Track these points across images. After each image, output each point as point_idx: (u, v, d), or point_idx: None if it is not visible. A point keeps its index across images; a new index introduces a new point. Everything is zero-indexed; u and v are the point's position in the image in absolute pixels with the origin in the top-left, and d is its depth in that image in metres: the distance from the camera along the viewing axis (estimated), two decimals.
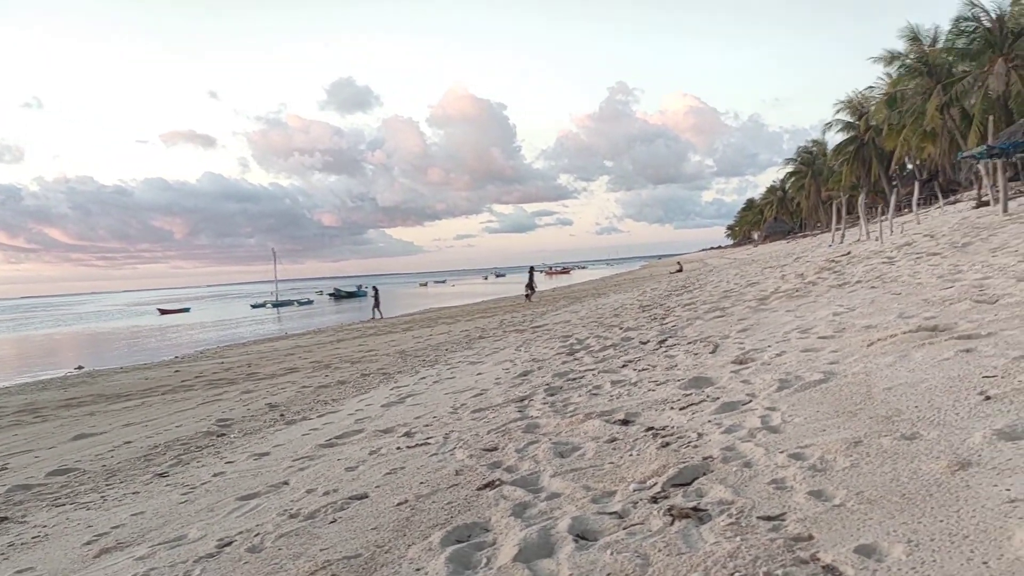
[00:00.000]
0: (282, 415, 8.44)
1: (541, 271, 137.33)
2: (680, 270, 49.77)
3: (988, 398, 3.56)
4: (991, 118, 27.96)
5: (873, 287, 9.81)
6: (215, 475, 5.56)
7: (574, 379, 7.15)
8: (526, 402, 6.27)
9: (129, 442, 7.98)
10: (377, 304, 36.78)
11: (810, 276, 13.91)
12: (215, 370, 16.04)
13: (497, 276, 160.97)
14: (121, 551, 3.88)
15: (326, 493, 4.21)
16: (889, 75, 52.52)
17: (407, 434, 5.69)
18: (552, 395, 6.42)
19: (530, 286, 33.39)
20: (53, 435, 9.17)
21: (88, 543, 4.16)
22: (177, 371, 16.84)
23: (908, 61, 47.42)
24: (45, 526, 4.81)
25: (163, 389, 13.20)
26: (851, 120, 64.10)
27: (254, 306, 70.77)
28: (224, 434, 7.72)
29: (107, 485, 5.97)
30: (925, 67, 45.96)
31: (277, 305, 68.35)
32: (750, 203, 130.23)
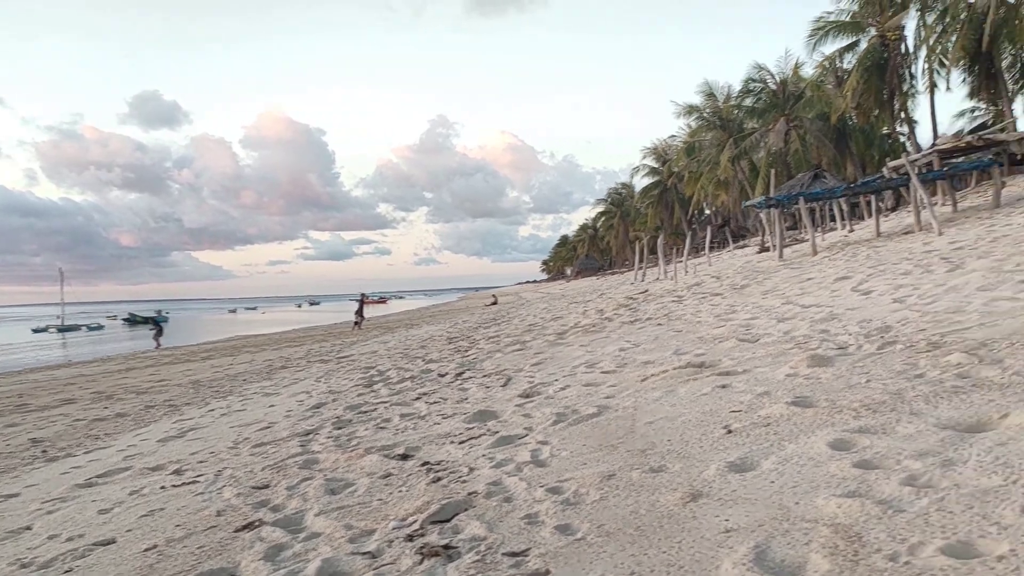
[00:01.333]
0: (44, 451, 7.73)
1: (356, 300, 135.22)
2: (495, 303, 50.57)
3: (730, 431, 3.84)
4: (773, 171, 30.65)
5: (659, 324, 10.39)
6: None
7: (365, 412, 7.04)
8: (311, 436, 6.10)
9: None
10: (159, 333, 34.52)
11: (608, 312, 14.54)
12: None
13: (311, 304, 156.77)
14: None
15: (70, 539, 3.88)
16: (689, 126, 56.52)
17: (176, 472, 5.37)
18: (339, 428, 6.29)
19: (360, 313, 33.02)
20: None
21: None
22: None
23: (705, 114, 51.22)
24: None
25: None
26: (656, 166, 68.23)
27: (36, 330, 64.43)
28: None
29: None
30: (719, 121, 49.84)
31: (63, 330, 62.83)
32: (564, 240, 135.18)
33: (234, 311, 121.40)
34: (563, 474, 3.67)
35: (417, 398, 7.46)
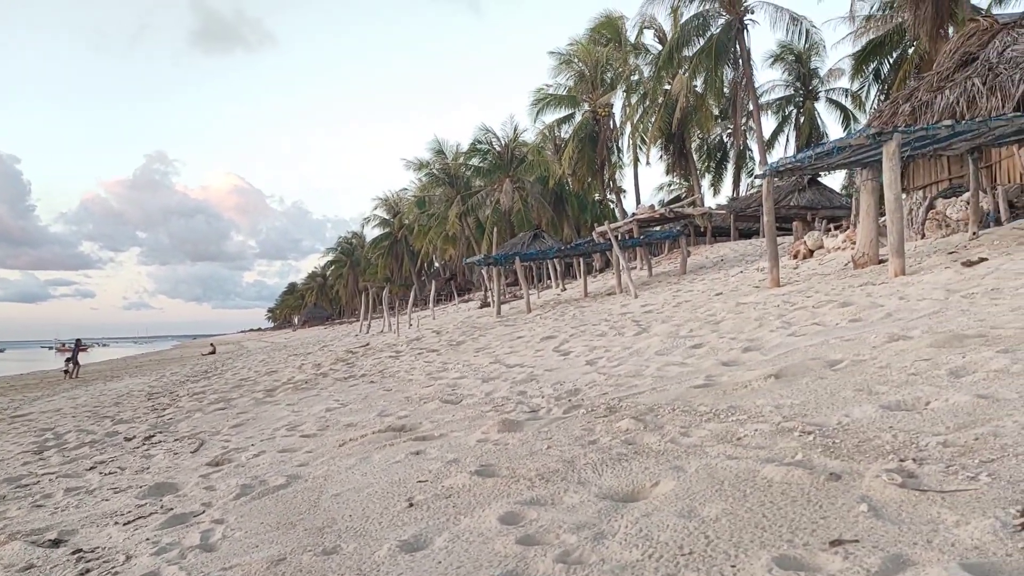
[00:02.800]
0: None
1: (53, 347, 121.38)
2: (213, 352, 47.72)
3: (412, 504, 3.79)
4: (496, 229, 32.06)
5: (372, 382, 10.29)
6: None
7: (26, 485, 6.20)
8: None
9: None
10: None
11: (325, 367, 14.21)
12: None
13: None
14: None
15: None
16: (420, 180, 57.87)
17: None
18: None
19: (74, 360, 29.47)
20: None
21: None
22: None
23: (434, 171, 52.77)
24: None
25: None
26: (387, 217, 68.86)
27: None
28: None
29: None
30: (447, 177, 51.57)
31: None
32: (292, 287, 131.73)
33: None
34: (230, 560, 3.39)
35: (92, 467, 6.72)
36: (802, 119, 43.81)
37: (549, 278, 36.24)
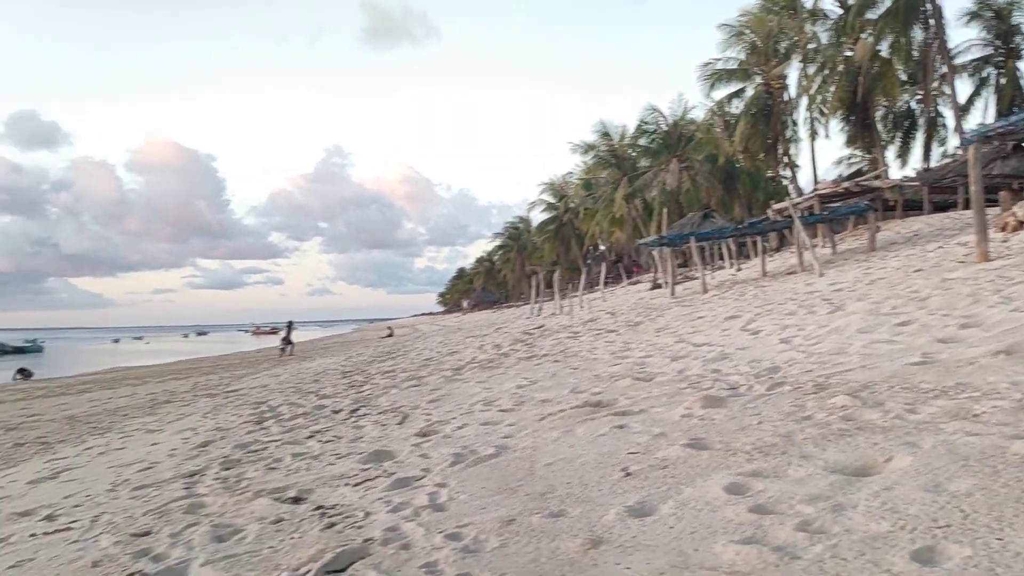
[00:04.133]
0: None
1: (248, 331, 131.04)
2: (390, 335, 49.97)
3: (628, 474, 3.86)
4: (665, 210, 31.64)
5: (556, 361, 10.47)
6: None
7: (255, 451, 6.78)
8: (197, 477, 5.82)
9: None
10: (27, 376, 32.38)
11: (505, 347, 14.57)
12: None
13: (199, 334, 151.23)
14: None
15: None
16: (585, 163, 57.89)
17: (48, 517, 5.01)
18: (227, 469, 6.02)
19: (287, 340, 31.92)
20: None
21: None
22: None
23: (600, 153, 52.62)
24: None
25: None
26: (553, 201, 69.34)
27: None
28: None
29: None
30: (614, 159, 51.28)
31: None
32: (461, 272, 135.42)
33: (117, 340, 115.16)
34: (462, 519, 3.60)
35: (310, 436, 7.24)
36: (1003, 81, 40.03)
37: (721, 258, 35.38)
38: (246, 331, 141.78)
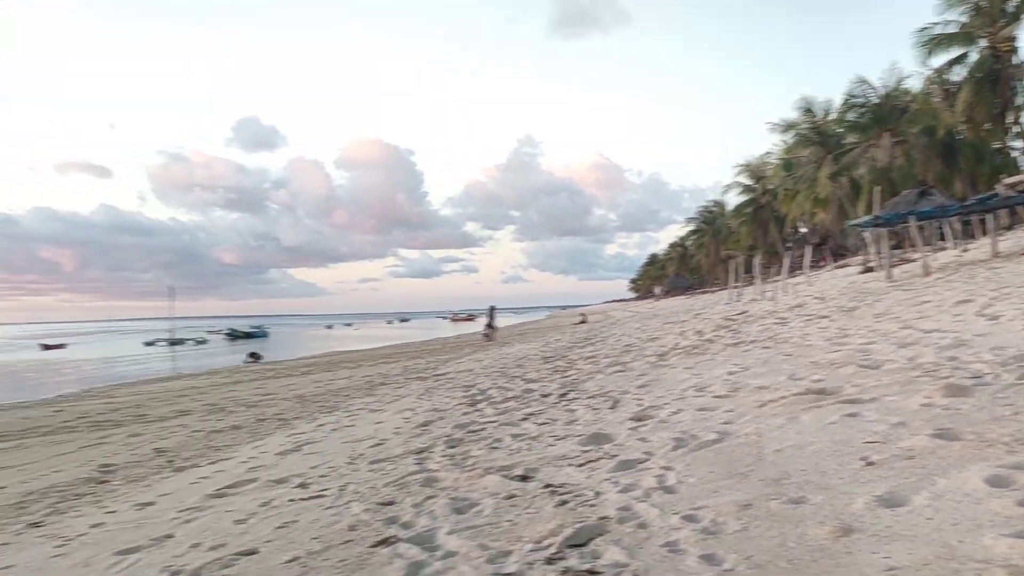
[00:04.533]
0: (170, 461, 8.09)
1: (446, 318, 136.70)
2: (584, 321, 50.33)
3: (870, 463, 3.71)
4: (877, 189, 29.67)
5: (766, 347, 10.15)
6: (93, 526, 5.27)
7: (475, 431, 7.11)
8: (425, 454, 6.19)
9: (1, 487, 7.48)
10: (256, 359, 35.22)
11: (708, 333, 14.30)
12: (101, 411, 15.28)
13: (401, 321, 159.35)
14: None
15: (213, 548, 4.04)
16: (785, 142, 55.28)
17: (301, 485, 5.53)
18: (452, 447, 6.36)
19: (491, 325, 33.40)
20: None
21: None
22: (59, 411, 15.97)
23: (802, 130, 50.07)
24: None
25: (42, 430, 12.49)
26: (749, 183, 66.89)
27: (147, 343, 67.23)
28: (106, 481, 7.33)
29: None
30: (817, 136, 48.63)
31: (172, 343, 65.37)
32: (653, 258, 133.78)
33: (330, 327, 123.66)
34: (695, 501, 3.62)
35: (524, 418, 7.48)
36: None
37: (941, 239, 32.74)
38: (444, 318, 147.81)
